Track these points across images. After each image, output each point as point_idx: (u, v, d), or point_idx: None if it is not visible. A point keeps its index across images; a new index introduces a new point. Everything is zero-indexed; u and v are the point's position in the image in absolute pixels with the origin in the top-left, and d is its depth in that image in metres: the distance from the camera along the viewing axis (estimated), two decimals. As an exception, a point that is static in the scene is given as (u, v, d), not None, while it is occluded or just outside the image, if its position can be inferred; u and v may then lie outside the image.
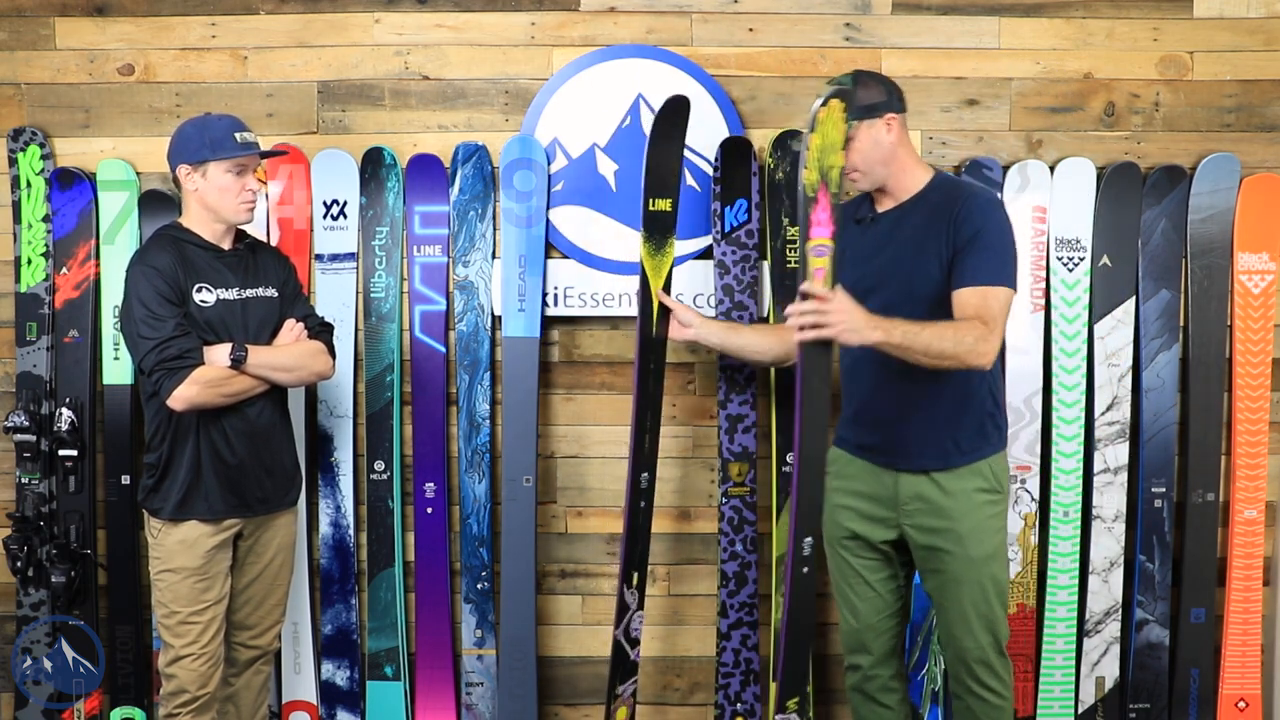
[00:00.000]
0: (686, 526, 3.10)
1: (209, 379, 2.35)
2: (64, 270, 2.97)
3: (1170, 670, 3.06)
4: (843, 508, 2.43)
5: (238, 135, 2.41)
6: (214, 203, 2.42)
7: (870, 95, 2.26)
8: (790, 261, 2.97)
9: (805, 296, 2.10)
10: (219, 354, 2.38)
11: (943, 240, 2.24)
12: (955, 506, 2.30)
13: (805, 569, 2.26)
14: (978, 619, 2.32)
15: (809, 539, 2.24)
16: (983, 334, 2.13)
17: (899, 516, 2.35)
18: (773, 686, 3.01)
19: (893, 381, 2.30)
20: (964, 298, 2.19)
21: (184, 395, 2.32)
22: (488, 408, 3.00)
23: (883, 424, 2.36)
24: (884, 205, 2.37)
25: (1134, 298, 2.98)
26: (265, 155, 2.51)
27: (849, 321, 2.08)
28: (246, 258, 2.53)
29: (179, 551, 2.43)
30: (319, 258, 3.01)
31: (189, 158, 2.40)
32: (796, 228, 2.98)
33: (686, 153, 2.98)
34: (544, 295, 2.99)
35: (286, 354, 2.49)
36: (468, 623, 3.04)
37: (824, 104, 2.11)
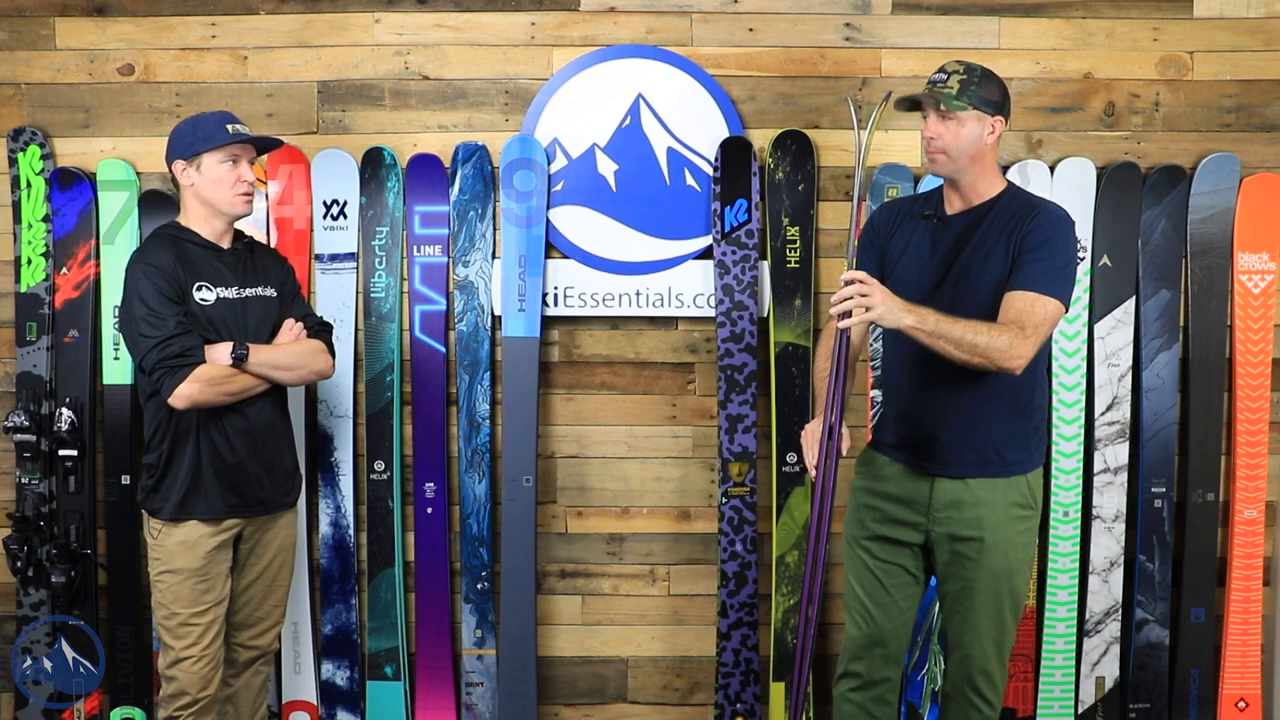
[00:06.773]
0: (686, 526, 3.10)
1: (210, 377, 2.34)
2: (64, 270, 2.97)
3: (1170, 670, 3.06)
4: (869, 508, 2.40)
5: (229, 127, 2.40)
6: (210, 196, 2.41)
7: (992, 92, 2.24)
8: (790, 261, 2.97)
9: (849, 283, 2.09)
10: (220, 352, 2.38)
11: (1011, 248, 2.22)
12: (987, 517, 2.28)
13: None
14: (989, 629, 2.31)
15: None
16: (1017, 338, 2.11)
17: (929, 522, 2.32)
18: (777, 687, 3.01)
19: (939, 384, 2.28)
20: (1012, 300, 2.17)
21: (185, 393, 2.31)
22: (488, 408, 3.00)
23: (925, 426, 2.32)
24: (954, 207, 2.32)
25: (1134, 298, 2.98)
26: (259, 145, 2.49)
27: (886, 304, 2.07)
28: (245, 257, 2.52)
29: (179, 552, 2.42)
30: (319, 258, 3.01)
31: (182, 152, 2.40)
32: (796, 228, 2.98)
33: (686, 152, 2.99)
34: (544, 295, 2.99)
35: (287, 353, 2.49)
36: (468, 623, 3.04)
37: (886, 100, 2.10)
